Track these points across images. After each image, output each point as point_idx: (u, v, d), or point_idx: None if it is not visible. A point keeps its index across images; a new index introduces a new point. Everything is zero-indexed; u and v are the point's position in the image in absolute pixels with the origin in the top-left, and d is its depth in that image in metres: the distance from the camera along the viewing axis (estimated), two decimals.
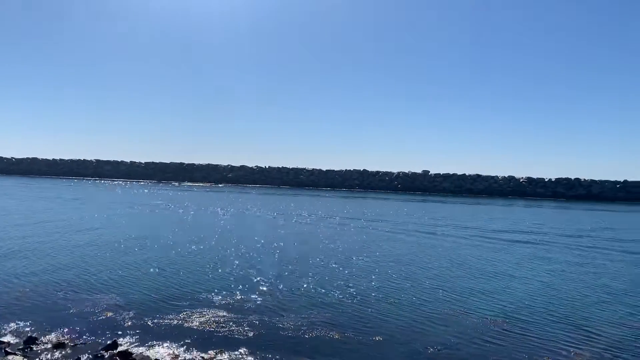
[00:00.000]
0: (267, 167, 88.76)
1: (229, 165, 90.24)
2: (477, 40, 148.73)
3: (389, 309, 10.84)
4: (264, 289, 12.20)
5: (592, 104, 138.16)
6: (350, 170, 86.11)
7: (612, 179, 77.08)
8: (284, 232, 23.53)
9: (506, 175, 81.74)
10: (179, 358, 7.72)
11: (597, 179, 77.69)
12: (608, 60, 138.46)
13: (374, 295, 11.94)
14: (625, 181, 76.39)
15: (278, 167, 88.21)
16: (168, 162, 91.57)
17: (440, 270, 15.51)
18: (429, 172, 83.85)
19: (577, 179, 78.45)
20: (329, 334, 9.07)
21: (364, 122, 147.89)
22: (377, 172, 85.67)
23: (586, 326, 10.09)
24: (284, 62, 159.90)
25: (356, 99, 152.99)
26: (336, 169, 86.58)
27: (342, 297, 11.65)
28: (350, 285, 12.90)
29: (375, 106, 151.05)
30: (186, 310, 10.14)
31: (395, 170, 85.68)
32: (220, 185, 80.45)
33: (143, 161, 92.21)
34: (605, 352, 8.68)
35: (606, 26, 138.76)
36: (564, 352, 8.60)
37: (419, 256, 17.99)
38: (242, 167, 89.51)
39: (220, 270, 14.16)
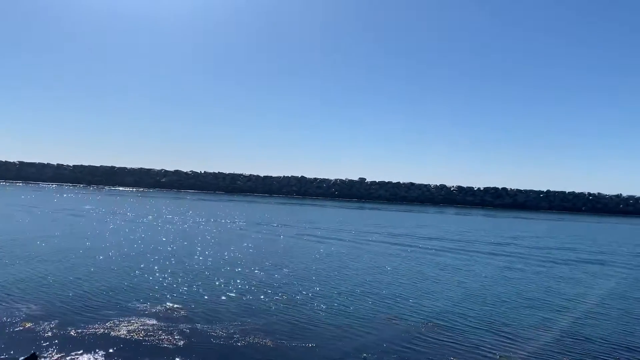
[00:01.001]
0: (202, 172, 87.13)
1: (162, 169, 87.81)
2: (412, 48, 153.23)
3: (320, 315, 10.82)
4: (195, 297, 11.87)
5: (518, 117, 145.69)
6: (288, 176, 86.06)
7: (536, 189, 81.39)
8: (216, 240, 23.11)
9: (438, 184, 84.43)
10: None
11: (522, 189, 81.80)
12: (533, 72, 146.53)
13: (306, 302, 11.90)
14: (548, 191, 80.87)
15: (214, 173, 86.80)
16: (98, 165, 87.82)
17: (369, 276, 15.69)
18: (365, 179, 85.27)
19: (504, 189, 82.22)
20: (261, 341, 8.93)
21: (303, 129, 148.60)
22: (315, 179, 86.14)
23: (508, 330, 10.48)
24: (219, 64, 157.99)
25: (295, 105, 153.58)
26: (274, 175, 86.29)
27: (274, 304, 11.53)
28: (282, 292, 12.79)
29: (313, 113, 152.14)
30: (113, 319, 9.68)
31: (332, 177, 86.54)
32: (152, 190, 77.98)
33: (71, 164, 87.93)
34: (529, 355, 9.04)
35: (528, 40, 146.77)
36: (489, 355, 8.89)
37: (349, 262, 18.16)
38: (177, 171, 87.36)
39: (150, 279, 13.66)
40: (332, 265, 17.39)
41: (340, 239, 25.10)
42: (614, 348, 9.55)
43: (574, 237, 33.63)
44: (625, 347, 9.58)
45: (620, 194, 79.60)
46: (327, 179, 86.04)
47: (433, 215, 53.74)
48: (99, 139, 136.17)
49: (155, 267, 15.17)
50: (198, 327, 9.47)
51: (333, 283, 14.27)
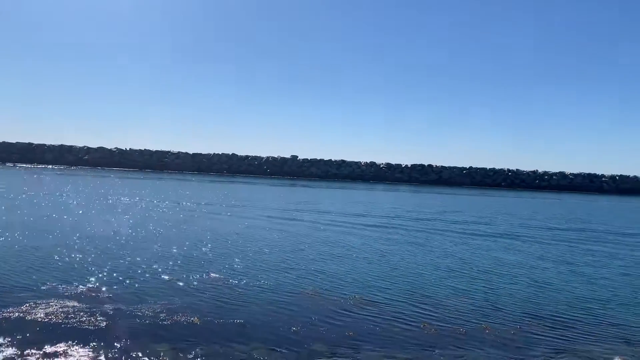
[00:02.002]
0: (128, 149, 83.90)
1: (85, 146, 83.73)
2: (345, 26, 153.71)
3: (247, 292, 10.86)
4: (118, 277, 11.56)
5: (440, 94, 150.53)
6: (218, 154, 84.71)
7: (460, 165, 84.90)
8: (140, 219, 22.51)
9: (368, 162, 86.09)
10: (17, 354, 7.03)
11: (446, 166, 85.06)
12: (464, 56, 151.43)
13: (232, 279, 11.88)
14: (470, 167, 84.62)
15: (140, 150, 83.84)
16: (14, 141, 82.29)
17: (296, 253, 15.89)
18: (297, 157, 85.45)
19: (430, 166, 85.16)
20: (189, 319, 8.87)
21: (234, 105, 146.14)
22: (247, 157, 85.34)
23: (429, 300, 11.01)
24: (146, 39, 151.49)
25: (225, 81, 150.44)
26: (204, 152, 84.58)
27: (200, 282, 11.44)
28: (208, 270, 12.69)
29: (245, 89, 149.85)
30: (29, 302, 9.25)
31: (264, 154, 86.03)
32: (74, 168, 74.28)
33: None
34: (449, 321, 9.56)
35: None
36: (413, 323, 9.32)
37: (275, 240, 18.28)
38: (100, 148, 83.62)
39: (70, 259, 13.13)
40: (258, 242, 17.43)
41: (269, 217, 25.16)
42: (524, 315, 10.27)
43: (492, 211, 35.54)
44: (533, 314, 10.31)
45: (537, 170, 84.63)
46: (259, 157, 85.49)
47: (363, 191, 54.88)
48: (16, 113, 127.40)
49: (76, 247, 14.59)
50: (122, 308, 9.25)
51: (259, 260, 14.32)
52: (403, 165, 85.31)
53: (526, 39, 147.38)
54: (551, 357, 7.99)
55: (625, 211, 43.12)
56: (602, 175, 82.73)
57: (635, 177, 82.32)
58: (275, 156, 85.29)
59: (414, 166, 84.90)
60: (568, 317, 10.21)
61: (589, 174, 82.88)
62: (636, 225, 29.93)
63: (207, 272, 12.40)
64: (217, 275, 12.15)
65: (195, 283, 11.37)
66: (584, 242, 21.41)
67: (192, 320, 8.80)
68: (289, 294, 10.93)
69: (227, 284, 11.47)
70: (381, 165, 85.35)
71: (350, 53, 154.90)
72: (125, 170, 74.80)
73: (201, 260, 13.92)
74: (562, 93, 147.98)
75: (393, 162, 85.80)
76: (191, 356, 7.19)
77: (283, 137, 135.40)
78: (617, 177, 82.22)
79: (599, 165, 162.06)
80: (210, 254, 14.79)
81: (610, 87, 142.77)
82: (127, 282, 11.16)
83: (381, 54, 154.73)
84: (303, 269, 13.42)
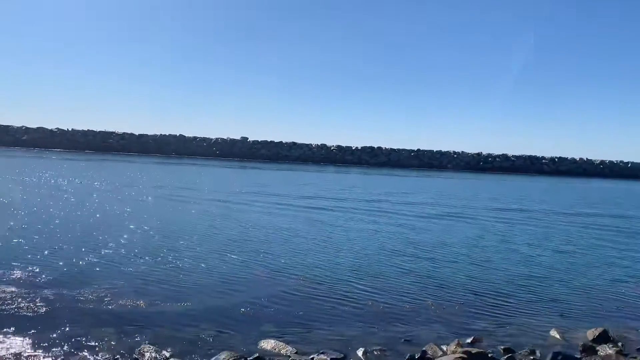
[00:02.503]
0: (70, 129, 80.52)
1: (23, 126, 79.72)
2: (293, 8, 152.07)
3: (194, 275, 10.73)
4: (60, 261, 11.17)
5: (391, 81, 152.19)
6: (165, 135, 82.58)
7: (408, 147, 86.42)
8: (81, 201, 21.79)
9: (319, 144, 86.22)
10: None
11: (395, 148, 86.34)
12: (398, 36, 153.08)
13: (178, 262, 11.71)
14: (418, 150, 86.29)
15: (83, 130, 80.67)
16: None
17: (243, 235, 15.82)
18: (247, 138, 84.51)
19: (380, 148, 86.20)
20: (135, 302, 8.70)
21: (181, 85, 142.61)
22: (195, 138, 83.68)
23: (376, 279, 11.24)
24: (81, 19, 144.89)
25: (173, 59, 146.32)
26: (150, 133, 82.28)
27: (146, 266, 11.22)
28: (153, 253, 12.42)
29: (193, 70, 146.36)
30: None
31: (213, 136, 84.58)
32: (10, 149, 70.64)
33: None
34: (395, 299, 9.80)
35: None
36: (361, 302, 9.50)
37: (224, 223, 18.13)
38: (40, 128, 79.82)
39: (5, 243, 12.56)
40: (205, 225, 17.25)
41: (216, 199, 24.87)
42: (466, 291, 10.66)
43: (437, 193, 36.50)
44: (475, 291, 10.73)
45: (481, 153, 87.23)
46: (208, 138, 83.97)
47: (313, 173, 55.05)
48: None
49: (14, 230, 13.97)
50: (64, 293, 8.96)
51: (206, 243, 14.16)
52: (353, 148, 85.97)
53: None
54: (492, 331, 8.35)
55: (562, 192, 45.23)
56: (542, 158, 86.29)
57: (572, 159, 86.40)
58: (225, 137, 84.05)
59: (364, 148, 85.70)
60: (507, 293, 10.68)
61: (530, 156, 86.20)
62: (570, 205, 31.47)
63: (153, 256, 12.16)
64: (164, 259, 11.94)
65: (141, 267, 11.14)
66: (522, 222, 22.36)
67: (138, 304, 8.63)
68: (238, 276, 10.89)
69: (174, 267, 11.30)
70: (332, 148, 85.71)
71: (299, 30, 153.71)
72: (66, 152, 71.82)
73: (146, 244, 13.62)
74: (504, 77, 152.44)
75: (343, 145, 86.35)
76: (137, 340, 7.07)
77: (233, 118, 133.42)
78: (556, 159, 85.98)
79: (539, 147, 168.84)
80: (156, 238, 14.50)
81: (545, 72, 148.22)
82: (69, 266, 10.81)
83: (333, 33, 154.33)
84: (251, 252, 13.37)
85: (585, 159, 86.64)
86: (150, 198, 23.90)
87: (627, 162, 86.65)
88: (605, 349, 7.62)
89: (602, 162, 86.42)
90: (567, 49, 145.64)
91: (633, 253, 15.94)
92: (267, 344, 7.09)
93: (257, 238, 15.31)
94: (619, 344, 7.94)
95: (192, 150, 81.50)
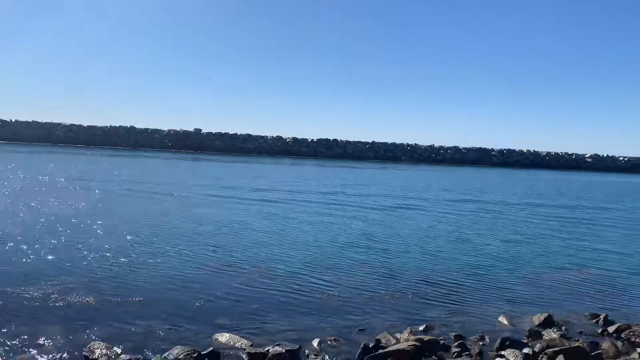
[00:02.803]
0: (13, 120, 76.94)
1: None
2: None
3: (149, 270, 10.52)
4: (4, 257, 10.71)
5: (348, 74, 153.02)
6: (115, 126, 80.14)
7: (363, 140, 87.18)
8: (25, 195, 20.94)
9: (275, 136, 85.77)
10: None
11: (351, 140, 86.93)
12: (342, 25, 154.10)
13: (133, 258, 11.44)
14: (373, 142, 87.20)
15: (27, 121, 77.25)
16: None
17: (197, 228, 15.62)
18: (201, 130, 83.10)
19: (335, 140, 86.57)
20: (84, 299, 8.43)
21: (133, 75, 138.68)
22: (146, 129, 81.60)
23: (331, 271, 11.33)
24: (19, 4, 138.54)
25: (124, 47, 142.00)
26: (99, 125, 79.67)
27: (95, 261, 10.89)
28: (103, 249, 12.07)
29: (144, 59, 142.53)
30: None
31: (165, 127, 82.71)
32: None
33: None
34: (350, 290, 9.90)
35: None
36: (316, 294, 9.55)
37: (176, 216, 17.81)
38: None
39: None
40: (156, 219, 16.91)
41: (168, 193, 24.40)
42: (419, 281, 10.90)
43: (391, 185, 37.06)
44: (427, 280, 10.97)
45: (433, 145, 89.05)
46: (160, 130, 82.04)
47: (269, 166, 54.78)
48: None
49: None
50: (8, 290, 8.59)
51: (157, 237, 13.86)
52: (309, 140, 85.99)
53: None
54: (444, 319, 8.57)
55: (509, 183, 46.79)
56: (492, 150, 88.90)
57: (520, 150, 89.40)
58: (178, 129, 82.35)
59: (319, 141, 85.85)
60: (458, 281, 10.98)
61: (480, 148, 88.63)
62: (518, 196, 32.61)
63: (102, 252, 11.82)
64: (113, 255, 11.62)
65: (89, 263, 10.81)
66: (472, 212, 23.01)
67: (88, 301, 8.38)
68: (191, 270, 10.74)
69: (124, 262, 11.03)
70: (288, 140, 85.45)
71: (255, 21, 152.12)
72: (8, 144, 68.62)
73: (94, 239, 13.23)
74: (458, 72, 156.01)
75: (299, 137, 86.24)
76: (87, 337, 6.86)
77: (186, 110, 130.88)
78: (505, 151, 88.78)
79: (490, 140, 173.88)
80: (105, 233, 14.09)
81: (495, 67, 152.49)
82: (13, 263, 10.37)
83: (289, 24, 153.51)
84: (204, 245, 13.18)
85: (532, 151, 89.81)
86: (98, 192, 23.19)
87: (572, 154, 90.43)
88: (550, 333, 7.95)
89: (548, 153, 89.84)
90: (519, 46, 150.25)
91: (576, 241, 16.67)
92: (222, 337, 7.04)
93: (210, 232, 15.12)
94: (563, 328, 8.32)
95: (143, 142, 79.48)
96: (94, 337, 6.85)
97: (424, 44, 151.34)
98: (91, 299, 8.48)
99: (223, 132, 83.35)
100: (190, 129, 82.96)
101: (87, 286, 9.14)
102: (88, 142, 76.45)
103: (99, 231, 14.15)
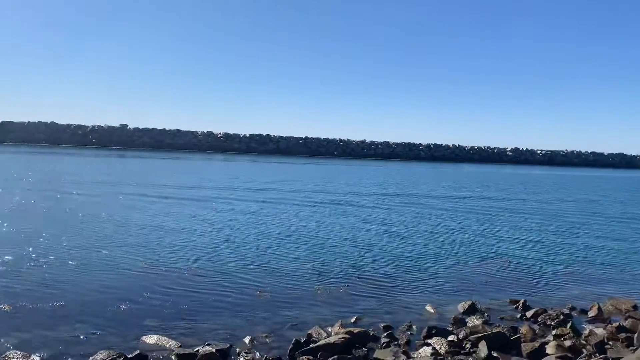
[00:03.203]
0: None
1: None
2: None
3: (71, 273, 10.00)
4: None
5: (281, 66, 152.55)
6: (34, 122, 75.67)
7: (297, 135, 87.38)
8: None
9: (205, 131, 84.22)
10: None
11: (284, 135, 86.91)
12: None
13: (53, 260, 10.85)
14: (306, 137, 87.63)
15: None
16: None
17: (125, 228, 15.13)
18: (127, 126, 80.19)
19: (268, 135, 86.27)
20: None
21: (52, 68, 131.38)
22: (69, 126, 77.70)
23: (265, 267, 11.28)
24: None
25: (42, 44, 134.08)
26: (16, 120, 74.88)
27: (12, 266, 10.26)
28: (22, 251, 11.41)
29: (63, 49, 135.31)
30: None
31: (90, 123, 79.04)
32: None
33: None
34: (282, 286, 9.90)
35: None
36: (248, 291, 9.46)
37: (100, 216, 17.09)
38: None
39: None
40: (78, 220, 16.16)
41: (89, 193, 23.40)
42: (350, 274, 11.07)
43: (323, 179, 37.42)
44: (357, 274, 11.17)
45: (365, 140, 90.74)
46: (84, 126, 78.39)
47: (199, 162, 53.73)
48: None
49: None
50: None
51: (79, 239, 13.24)
52: (241, 135, 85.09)
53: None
54: (374, 310, 8.76)
55: (435, 176, 48.50)
56: (420, 145, 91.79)
57: (446, 145, 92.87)
58: (103, 125, 78.99)
59: (252, 136, 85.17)
60: (387, 273, 11.25)
61: (409, 143, 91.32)
62: (443, 189, 33.88)
63: (18, 255, 11.13)
64: (31, 257, 10.99)
65: (3, 266, 10.15)
66: (399, 205, 23.66)
67: (1, 308, 7.87)
68: (117, 273, 10.32)
69: (44, 265, 10.45)
70: (219, 135, 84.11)
71: (187, 18, 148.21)
72: None
73: (8, 241, 12.44)
74: (391, 72, 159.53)
75: (231, 132, 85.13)
76: (0, 346, 6.44)
77: (112, 104, 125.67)
78: (432, 146, 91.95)
79: (418, 135, 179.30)
80: (21, 235, 13.28)
81: (425, 65, 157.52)
82: None
83: (228, 22, 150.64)
84: (130, 246, 12.72)
85: (457, 146, 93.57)
86: (16, 191, 21.82)
87: (494, 148, 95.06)
88: (473, 320, 8.33)
89: (472, 148, 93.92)
90: (441, 44, 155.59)
91: (496, 232, 17.53)
92: (150, 340, 6.84)
93: (134, 232, 14.61)
94: (485, 314, 8.73)
95: (66, 139, 75.64)
96: (9, 346, 6.45)
97: (349, 38, 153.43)
98: (6, 306, 7.96)
99: (151, 127, 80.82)
100: (116, 124, 79.83)
101: (1, 292, 8.58)
102: (4, 138, 71.73)
103: (14, 233, 13.31)
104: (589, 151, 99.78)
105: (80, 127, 77.90)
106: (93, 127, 78.25)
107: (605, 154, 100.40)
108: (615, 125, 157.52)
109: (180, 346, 6.66)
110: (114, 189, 24.30)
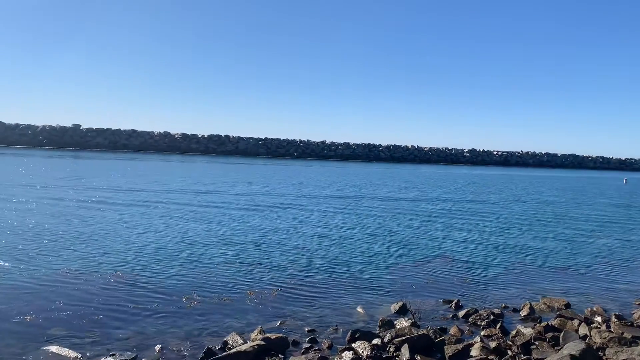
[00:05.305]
0: None
1: None
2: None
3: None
4: None
5: (241, 69, 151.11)
6: None
7: (256, 136, 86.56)
8: None
9: (162, 131, 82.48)
10: None
11: (243, 136, 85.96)
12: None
13: None
14: (266, 138, 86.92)
15: None
16: None
17: (53, 232, 14.37)
18: (80, 126, 77.67)
19: (227, 136, 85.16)
20: None
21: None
22: (17, 125, 74.72)
23: (196, 272, 10.85)
24: None
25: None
26: None
27: None
28: None
29: (17, 49, 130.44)
30: None
31: (40, 123, 76.20)
32: None
33: None
34: (214, 291, 9.49)
35: None
36: (176, 297, 9.01)
37: (27, 219, 16.28)
38: None
39: None
40: (9, 222, 15.32)
41: (22, 194, 22.33)
42: (283, 277, 10.76)
43: (278, 181, 36.99)
44: (291, 276, 10.87)
45: (325, 141, 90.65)
46: (33, 125, 75.48)
47: (155, 163, 52.43)
48: None
49: None
50: None
51: (20, 239, 12.60)
52: (199, 136, 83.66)
53: None
54: (303, 313, 8.45)
55: (390, 177, 48.69)
56: (379, 145, 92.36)
57: (405, 146, 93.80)
58: (54, 125, 76.21)
59: (210, 137, 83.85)
60: (321, 275, 10.95)
61: (369, 144, 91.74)
62: (391, 190, 33.89)
63: None
64: None
65: None
66: (344, 208, 23.41)
67: None
68: (33, 279, 9.65)
69: None
70: (176, 136, 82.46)
71: (131, 20, 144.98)
72: None
73: None
74: (353, 73, 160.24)
75: (189, 132, 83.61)
76: None
77: (64, 105, 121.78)
78: (391, 147, 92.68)
79: (377, 136, 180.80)
80: None
81: (390, 63, 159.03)
82: None
83: (169, 15, 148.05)
84: (57, 249, 12.06)
85: (416, 147, 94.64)
86: None
87: (451, 149, 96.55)
88: (402, 322, 8.11)
89: (431, 149, 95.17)
90: (433, 45, 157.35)
91: (437, 232, 17.40)
92: (49, 350, 6.33)
93: (68, 235, 13.91)
94: (416, 315, 8.53)
95: (14, 139, 72.67)
96: None
97: (310, 36, 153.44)
98: None
99: (105, 127, 78.55)
100: (68, 124, 77.25)
101: None
102: None
103: None
104: (544, 152, 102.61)
105: (29, 127, 74.96)
106: (44, 127, 75.43)
107: (559, 154, 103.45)
108: (570, 125, 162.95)
109: (80, 357, 6.19)
110: (43, 193, 23.19)
